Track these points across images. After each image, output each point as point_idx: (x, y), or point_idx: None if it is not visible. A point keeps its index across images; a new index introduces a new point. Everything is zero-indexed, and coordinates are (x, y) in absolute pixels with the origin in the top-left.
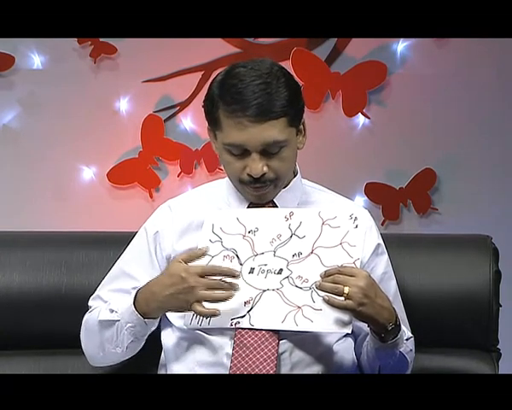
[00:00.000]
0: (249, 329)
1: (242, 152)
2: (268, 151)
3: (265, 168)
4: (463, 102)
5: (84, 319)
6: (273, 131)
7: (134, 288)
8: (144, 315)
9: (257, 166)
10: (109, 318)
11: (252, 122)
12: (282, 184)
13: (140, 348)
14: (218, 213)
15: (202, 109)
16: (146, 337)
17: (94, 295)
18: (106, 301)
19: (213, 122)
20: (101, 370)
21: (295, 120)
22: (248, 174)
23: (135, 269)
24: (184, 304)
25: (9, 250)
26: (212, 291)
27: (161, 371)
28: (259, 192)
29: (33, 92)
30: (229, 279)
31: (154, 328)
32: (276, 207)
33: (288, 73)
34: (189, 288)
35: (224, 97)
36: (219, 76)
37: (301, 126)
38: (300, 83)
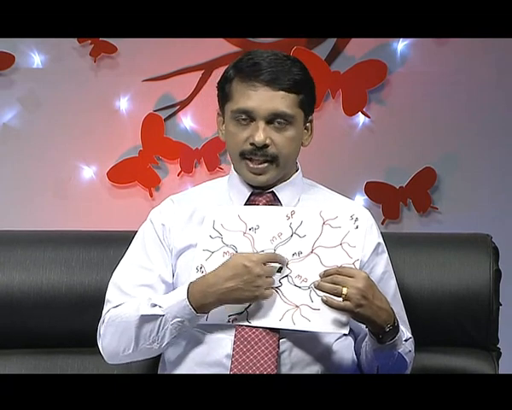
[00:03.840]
0: (247, 326)
1: (249, 120)
2: (274, 123)
3: (268, 140)
4: (463, 102)
5: (111, 314)
6: (283, 102)
7: (158, 279)
8: (198, 309)
9: (261, 133)
10: (153, 312)
11: (263, 86)
12: (283, 169)
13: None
14: (219, 210)
15: (203, 108)
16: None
17: (112, 288)
18: (131, 296)
19: (224, 96)
20: (101, 370)
21: (305, 105)
22: (251, 143)
23: (151, 261)
24: (249, 294)
25: (9, 249)
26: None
27: (161, 371)
28: (258, 167)
29: (33, 91)
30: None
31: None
32: (277, 198)
33: (305, 66)
34: (255, 277)
35: (241, 68)
36: (237, 59)
37: (309, 124)
38: (311, 76)
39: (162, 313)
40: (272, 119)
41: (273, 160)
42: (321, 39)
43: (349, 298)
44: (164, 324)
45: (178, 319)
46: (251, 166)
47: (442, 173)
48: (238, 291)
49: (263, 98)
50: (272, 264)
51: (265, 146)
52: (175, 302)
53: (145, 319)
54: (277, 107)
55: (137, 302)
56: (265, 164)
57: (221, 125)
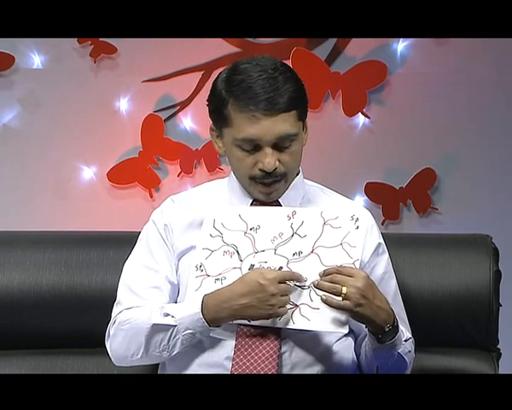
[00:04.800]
0: (245, 325)
1: (254, 147)
2: (280, 145)
3: (277, 163)
4: (463, 102)
5: (122, 317)
6: (285, 124)
7: (164, 280)
8: (210, 323)
9: (270, 160)
10: (165, 322)
11: (265, 115)
12: (291, 180)
13: None
14: (219, 209)
15: (202, 109)
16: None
17: (123, 290)
18: (143, 298)
19: (221, 119)
20: (101, 370)
21: (303, 114)
22: (260, 169)
23: (157, 262)
24: (263, 312)
25: (9, 250)
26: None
27: (161, 372)
28: (270, 189)
29: (33, 92)
30: (298, 284)
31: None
32: (280, 205)
33: (291, 68)
34: (269, 296)
35: (234, 93)
36: (224, 73)
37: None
38: (301, 78)
39: (174, 324)
40: (278, 142)
41: (282, 177)
42: (321, 40)
43: (348, 297)
44: (175, 334)
45: (190, 331)
46: (262, 190)
47: (442, 174)
48: (252, 309)
49: (266, 126)
50: (288, 282)
51: (274, 169)
52: (188, 314)
53: (157, 329)
54: (281, 130)
55: (149, 309)
56: (276, 183)
57: (215, 138)
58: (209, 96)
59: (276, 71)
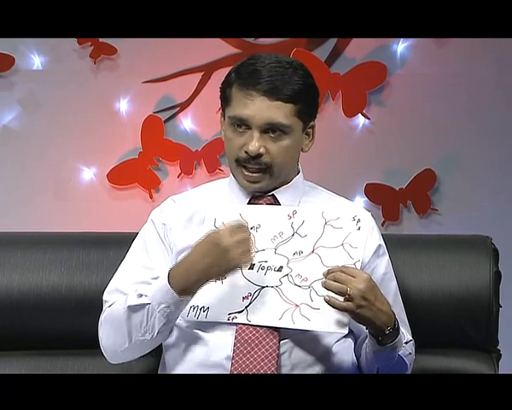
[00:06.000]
0: (245, 324)
1: (245, 128)
2: (269, 132)
3: (262, 149)
4: (463, 102)
5: (106, 313)
6: (279, 112)
7: (155, 278)
8: (180, 293)
9: (255, 142)
10: (139, 302)
11: (260, 96)
12: (277, 178)
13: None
14: (220, 208)
15: (202, 110)
16: (175, 322)
17: (109, 289)
18: (127, 294)
19: (225, 99)
20: (101, 371)
21: (304, 114)
22: (245, 151)
23: (151, 260)
24: (225, 267)
25: (9, 250)
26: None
27: (161, 372)
28: (252, 175)
29: (33, 93)
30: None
31: (184, 309)
32: (278, 202)
33: (309, 71)
34: (224, 249)
35: (241, 74)
36: (240, 62)
37: (310, 130)
38: (316, 84)
39: (148, 302)
40: (267, 128)
41: (267, 168)
42: (321, 41)
43: (351, 298)
44: (151, 312)
45: (164, 305)
46: (245, 173)
47: (442, 174)
48: (214, 267)
49: (259, 108)
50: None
51: (259, 155)
52: (158, 288)
53: (132, 310)
54: (273, 117)
55: (126, 297)
56: (259, 173)
57: (221, 121)
58: (222, 82)
59: (290, 65)
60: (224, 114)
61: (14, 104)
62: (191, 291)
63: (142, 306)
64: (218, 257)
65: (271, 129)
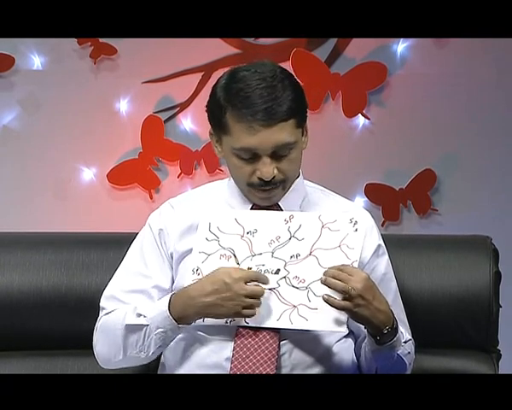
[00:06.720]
0: (243, 327)
1: (252, 156)
2: (278, 154)
3: (275, 171)
4: (463, 102)
5: (102, 321)
6: (283, 133)
7: (154, 286)
8: (178, 321)
9: (268, 169)
10: (137, 322)
11: (262, 126)
12: (290, 186)
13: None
14: (215, 213)
15: (202, 110)
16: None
17: (106, 295)
18: (124, 303)
19: (220, 126)
20: (101, 370)
21: (302, 121)
22: (259, 177)
23: (147, 267)
24: (227, 310)
25: (9, 251)
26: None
27: (161, 372)
28: (269, 194)
29: (33, 93)
30: (265, 286)
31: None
32: (280, 208)
33: (291, 74)
34: (234, 295)
35: (232, 102)
36: (222, 80)
37: (304, 128)
38: (300, 84)
39: (146, 324)
40: (276, 151)
41: (281, 184)
42: (321, 41)
43: (349, 297)
44: (148, 334)
45: (161, 330)
46: (261, 195)
47: (442, 175)
48: (216, 307)
49: (263, 136)
50: (255, 283)
51: (273, 177)
52: (157, 313)
53: (130, 329)
54: (279, 139)
55: (124, 311)
56: (275, 190)
57: (215, 142)
58: (208, 102)
59: (274, 79)
60: (218, 138)
61: (14, 104)
62: (189, 321)
63: (140, 327)
64: (223, 299)
65: (280, 150)
